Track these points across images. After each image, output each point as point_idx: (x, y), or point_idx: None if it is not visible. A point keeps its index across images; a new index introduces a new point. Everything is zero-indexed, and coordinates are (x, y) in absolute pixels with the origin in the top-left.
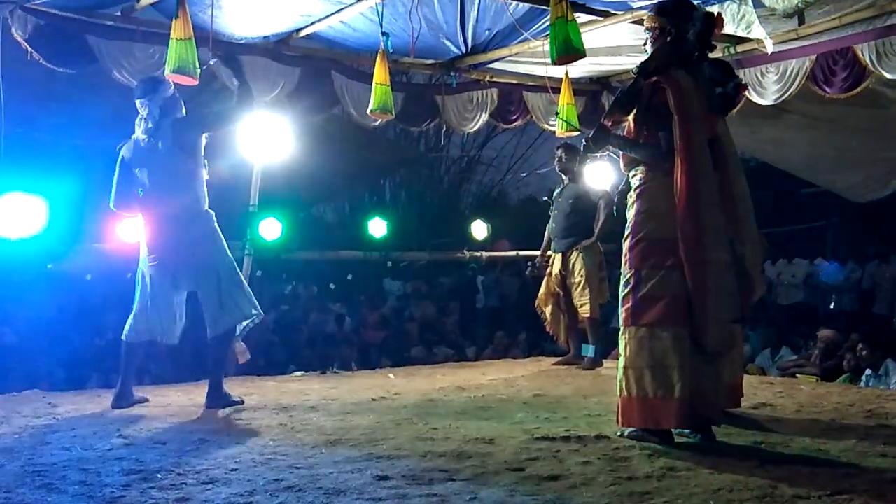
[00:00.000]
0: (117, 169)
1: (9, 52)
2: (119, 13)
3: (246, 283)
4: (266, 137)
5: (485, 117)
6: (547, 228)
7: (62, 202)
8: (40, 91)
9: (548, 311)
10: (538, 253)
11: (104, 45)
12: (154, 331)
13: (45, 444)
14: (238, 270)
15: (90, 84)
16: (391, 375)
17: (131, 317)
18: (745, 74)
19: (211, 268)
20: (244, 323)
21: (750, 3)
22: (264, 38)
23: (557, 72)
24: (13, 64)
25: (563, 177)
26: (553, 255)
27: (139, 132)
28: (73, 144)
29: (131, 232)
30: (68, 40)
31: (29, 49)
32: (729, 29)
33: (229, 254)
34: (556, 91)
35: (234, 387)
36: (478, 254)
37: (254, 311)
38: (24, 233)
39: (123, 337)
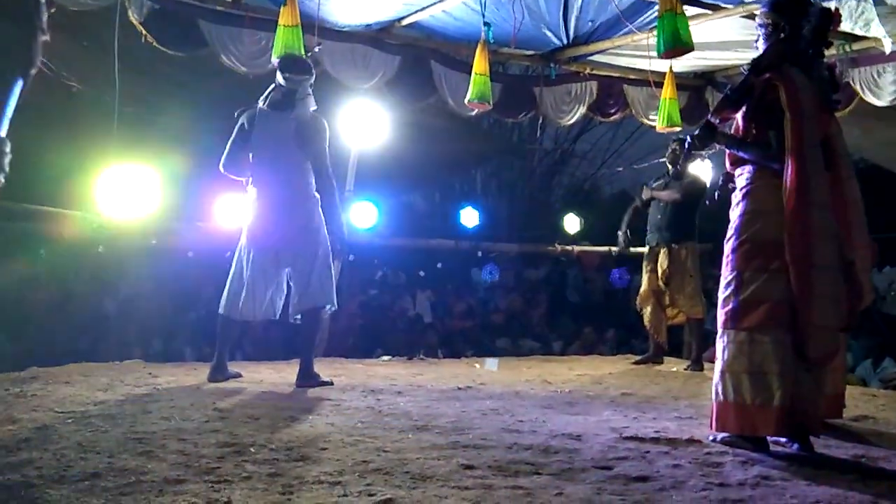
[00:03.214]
0: (235, 133)
1: (124, 35)
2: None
3: (332, 273)
4: (363, 124)
5: (583, 110)
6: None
7: (168, 180)
8: (152, 73)
9: (648, 309)
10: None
11: (214, 30)
12: (253, 310)
13: (146, 412)
14: (330, 258)
15: (198, 68)
16: (477, 365)
17: (227, 292)
18: (860, 73)
19: (311, 248)
20: (327, 307)
21: (870, 0)
22: (367, 26)
23: (660, 65)
24: (128, 46)
25: (670, 170)
26: (655, 248)
27: (270, 101)
28: (180, 125)
29: (233, 212)
30: (180, 24)
31: (143, 31)
32: (846, 26)
33: (327, 239)
34: (659, 85)
35: (323, 368)
36: (569, 248)
37: (334, 300)
38: (132, 210)
39: (221, 311)
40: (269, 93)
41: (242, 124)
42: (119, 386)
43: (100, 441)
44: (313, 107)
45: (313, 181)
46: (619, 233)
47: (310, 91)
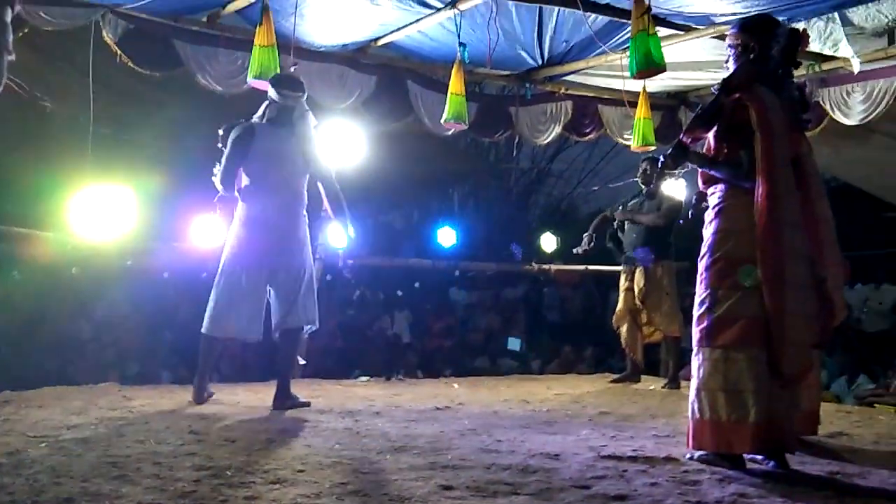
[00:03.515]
0: (230, 148)
1: (99, 55)
2: (205, 19)
3: (315, 294)
4: (340, 144)
5: (558, 130)
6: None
7: (143, 200)
8: (127, 92)
9: (624, 328)
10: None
11: (190, 50)
12: (244, 329)
13: (120, 436)
14: (314, 278)
15: (173, 87)
16: (455, 385)
17: (211, 311)
18: (829, 93)
19: (300, 267)
20: (306, 328)
21: (838, 20)
22: (343, 45)
23: (634, 85)
24: (102, 66)
25: (643, 189)
26: (632, 268)
27: (268, 117)
28: (156, 145)
29: (209, 232)
30: (156, 44)
31: (118, 52)
32: (815, 46)
33: (311, 259)
34: (633, 105)
35: (300, 389)
36: (546, 266)
37: (316, 320)
38: (107, 230)
39: (204, 330)
40: (265, 110)
41: (240, 139)
42: (93, 409)
43: (73, 465)
44: (315, 123)
45: (306, 200)
46: (585, 235)
47: (306, 108)
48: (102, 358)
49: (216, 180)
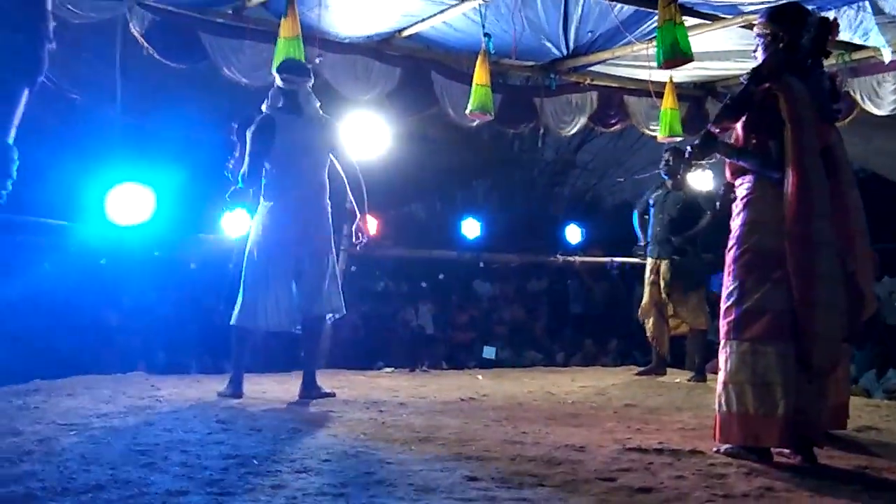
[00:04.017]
0: (252, 143)
1: (126, 47)
2: (230, 11)
3: (339, 281)
4: (364, 135)
5: (583, 121)
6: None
7: (171, 192)
8: (154, 84)
9: (650, 320)
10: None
11: (215, 42)
12: (276, 319)
13: (148, 424)
14: (337, 266)
15: (199, 79)
16: (479, 377)
17: (241, 302)
18: (860, 83)
19: (324, 255)
20: (330, 316)
21: (869, 9)
22: (367, 37)
23: (660, 76)
24: (130, 58)
25: (668, 181)
26: (657, 261)
27: (281, 106)
28: (183, 137)
29: (235, 224)
30: (181, 36)
31: (145, 44)
32: (845, 36)
33: (335, 247)
34: (659, 95)
35: (325, 379)
36: (571, 258)
37: (343, 307)
38: (134, 220)
39: (234, 322)
40: (272, 99)
41: (260, 131)
42: (122, 398)
43: (102, 453)
44: (315, 104)
45: (328, 185)
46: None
47: (311, 93)
48: (130, 347)
49: (239, 176)
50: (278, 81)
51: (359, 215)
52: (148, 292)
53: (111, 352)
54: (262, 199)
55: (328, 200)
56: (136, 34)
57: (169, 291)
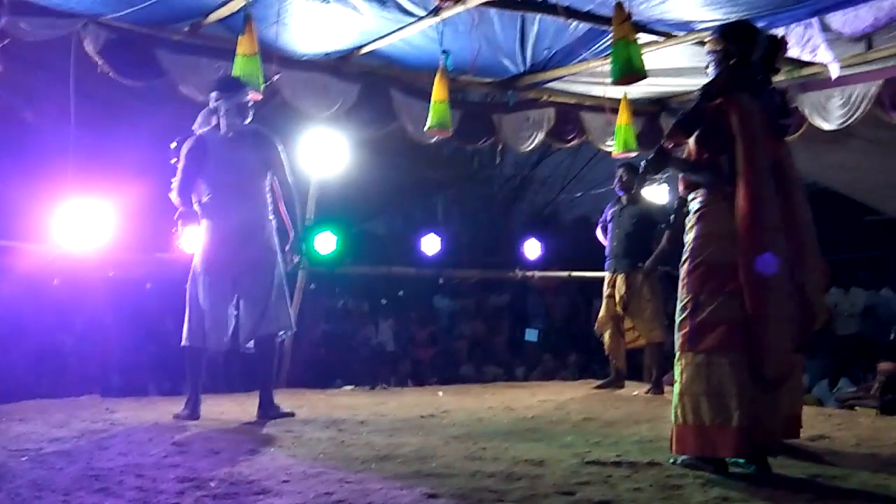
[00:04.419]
0: (183, 160)
1: (80, 65)
2: (187, 28)
3: (288, 298)
4: (324, 152)
5: (541, 136)
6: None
7: (126, 211)
8: (107, 102)
9: (607, 334)
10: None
11: (172, 60)
12: (217, 339)
13: (102, 448)
14: (285, 283)
15: (156, 97)
16: (440, 393)
17: (188, 322)
18: (808, 98)
19: (267, 272)
20: (280, 334)
21: (817, 26)
22: (326, 54)
23: (616, 92)
24: (84, 76)
25: (623, 196)
26: (613, 275)
27: (210, 126)
28: (139, 155)
29: (190, 242)
30: (137, 54)
31: (99, 62)
32: (794, 52)
33: (281, 264)
34: (614, 111)
35: (284, 399)
36: (530, 273)
37: (292, 324)
38: (92, 245)
39: (184, 342)
40: (202, 118)
41: (191, 150)
42: (75, 422)
43: (55, 479)
44: (247, 119)
45: (268, 203)
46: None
47: (244, 107)
48: (85, 370)
49: (173, 195)
50: (212, 99)
51: (291, 234)
52: (103, 314)
53: (65, 375)
54: (202, 218)
55: (270, 216)
56: (90, 52)
57: (124, 312)
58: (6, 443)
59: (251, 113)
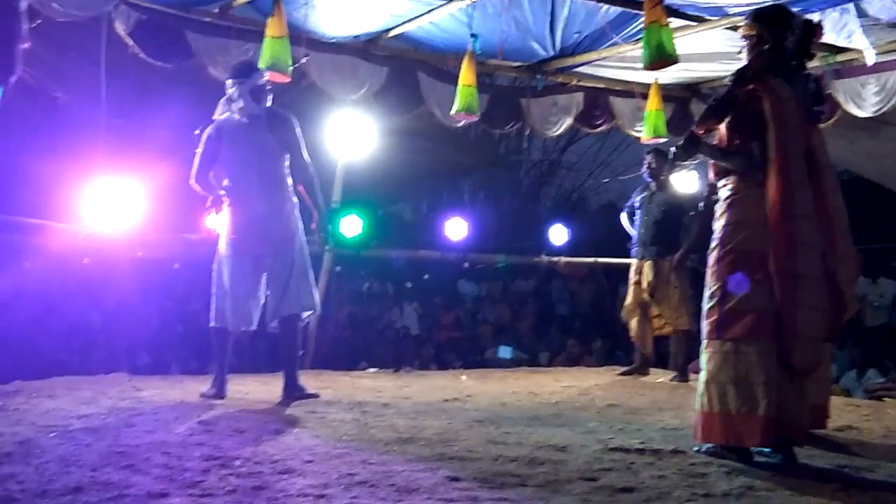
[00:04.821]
0: (202, 146)
1: (111, 45)
2: (217, 10)
3: (313, 278)
4: (350, 135)
5: (569, 121)
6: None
7: (155, 191)
8: (138, 83)
9: (634, 321)
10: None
11: (201, 41)
12: (239, 320)
13: (129, 426)
14: (309, 263)
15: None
16: (464, 377)
17: (214, 304)
18: (843, 85)
19: (287, 252)
20: (304, 315)
21: (853, 11)
22: (354, 37)
23: (646, 77)
24: (115, 56)
25: (652, 183)
26: (640, 262)
27: (228, 112)
28: (168, 136)
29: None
30: (167, 35)
31: (130, 43)
32: (829, 38)
33: (306, 245)
34: (644, 97)
35: (309, 380)
36: (556, 259)
37: (316, 305)
38: (122, 225)
39: (212, 323)
40: (221, 106)
41: (210, 136)
42: (103, 399)
43: (83, 455)
44: (265, 102)
45: (288, 182)
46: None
47: (259, 89)
48: (113, 348)
49: (192, 182)
50: (228, 86)
51: (314, 214)
52: (131, 293)
53: (94, 353)
54: (224, 202)
55: (291, 197)
56: (121, 33)
57: (152, 292)
58: (35, 419)
59: (269, 96)
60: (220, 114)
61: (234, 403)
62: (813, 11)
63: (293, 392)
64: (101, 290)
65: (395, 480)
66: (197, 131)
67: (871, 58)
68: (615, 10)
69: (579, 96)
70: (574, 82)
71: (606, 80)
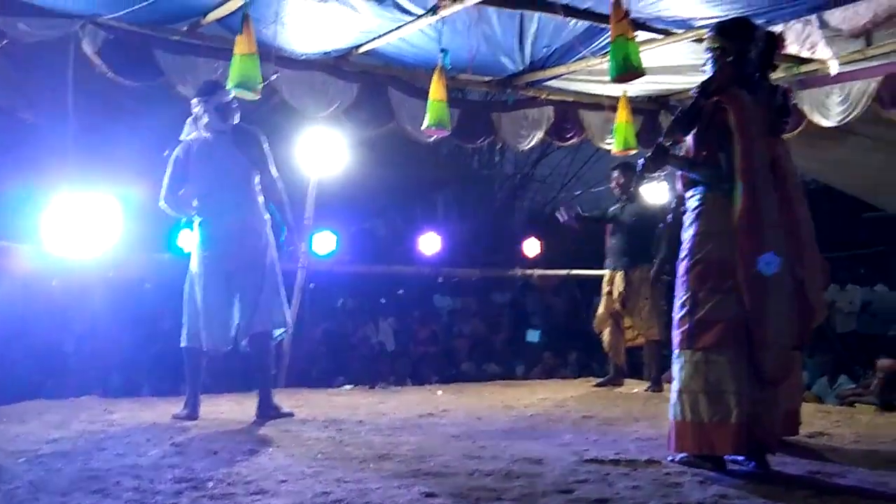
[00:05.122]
0: (170, 167)
1: (79, 65)
2: (185, 28)
3: (284, 295)
4: (322, 151)
5: (540, 135)
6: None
7: (125, 211)
8: (106, 103)
9: (606, 332)
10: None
11: (170, 60)
12: (213, 339)
13: (100, 449)
14: (281, 280)
15: (156, 98)
16: (439, 392)
17: (186, 323)
18: (808, 95)
19: (258, 269)
20: (276, 333)
21: (816, 22)
22: (324, 53)
23: (615, 90)
24: (83, 76)
25: (621, 197)
26: (612, 273)
27: (195, 132)
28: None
29: (188, 241)
30: (136, 54)
31: (98, 62)
32: (793, 49)
33: (277, 262)
34: (613, 109)
35: (284, 398)
36: (529, 272)
37: (287, 322)
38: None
39: (183, 343)
40: (188, 126)
41: (178, 157)
42: (74, 423)
43: (52, 480)
44: (231, 119)
45: (258, 199)
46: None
47: (225, 106)
48: (84, 371)
49: (161, 204)
50: (193, 104)
51: (285, 230)
52: (102, 314)
53: (66, 376)
54: (195, 220)
55: (262, 214)
56: (88, 52)
57: (124, 313)
58: (4, 444)
59: (235, 113)
60: (186, 134)
61: (208, 424)
62: (776, 23)
63: (267, 411)
64: (71, 312)
65: (370, 498)
66: (166, 153)
67: (834, 68)
68: (583, 24)
69: (550, 110)
70: (544, 96)
71: (576, 93)
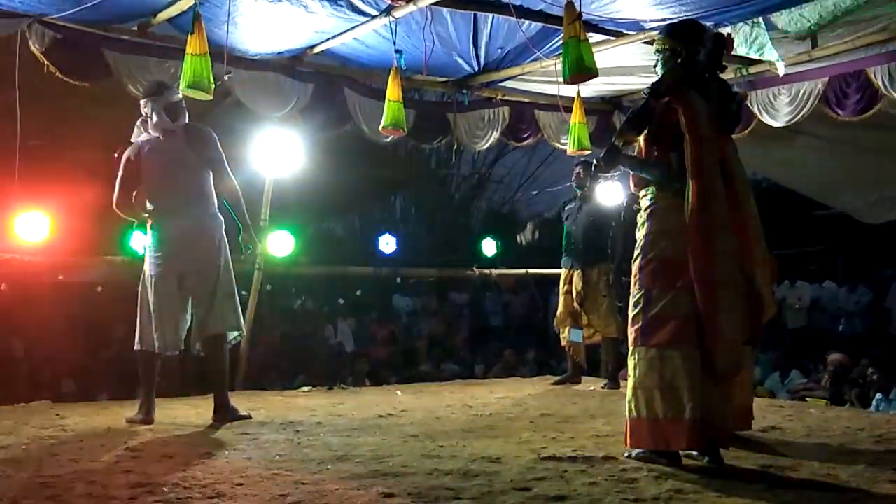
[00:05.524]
0: (121, 170)
1: (26, 66)
2: (135, 28)
3: (237, 298)
4: (278, 152)
5: (496, 135)
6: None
7: (76, 214)
8: (55, 104)
9: (566, 329)
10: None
11: (120, 59)
12: (165, 342)
13: (52, 455)
14: (234, 282)
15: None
16: (398, 392)
17: (139, 325)
18: (757, 96)
19: (211, 271)
20: (230, 336)
21: (763, 25)
22: (278, 53)
23: (569, 91)
24: (32, 78)
25: (579, 193)
26: (569, 271)
27: (145, 132)
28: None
29: (141, 243)
30: (85, 54)
31: (45, 62)
32: (741, 51)
33: (230, 264)
34: (568, 110)
35: (241, 401)
36: (487, 271)
37: (241, 326)
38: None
39: (136, 346)
40: (138, 128)
41: (129, 158)
42: (25, 429)
43: (2, 487)
44: (180, 119)
45: (213, 199)
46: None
47: (174, 105)
48: (36, 376)
49: (115, 206)
50: (141, 105)
51: (241, 230)
52: (54, 318)
53: (16, 381)
54: (148, 222)
55: (216, 214)
56: (36, 51)
57: (76, 316)
58: None
59: (184, 112)
60: (136, 136)
61: (163, 428)
62: (725, 25)
63: (224, 414)
64: (21, 316)
65: (328, 500)
66: (116, 154)
67: (781, 69)
68: (536, 25)
69: (505, 110)
70: (500, 97)
71: (531, 94)
